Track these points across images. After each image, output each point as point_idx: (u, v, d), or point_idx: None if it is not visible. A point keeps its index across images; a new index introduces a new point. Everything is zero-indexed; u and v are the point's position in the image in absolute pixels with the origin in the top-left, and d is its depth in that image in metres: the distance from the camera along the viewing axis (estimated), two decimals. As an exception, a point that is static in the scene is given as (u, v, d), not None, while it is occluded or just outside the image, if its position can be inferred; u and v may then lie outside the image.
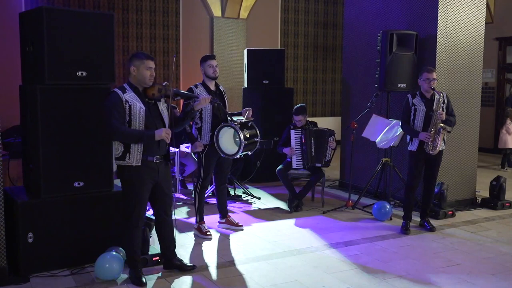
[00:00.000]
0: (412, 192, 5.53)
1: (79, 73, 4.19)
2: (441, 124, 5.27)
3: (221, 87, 5.32)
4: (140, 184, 3.96)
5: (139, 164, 3.92)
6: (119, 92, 3.89)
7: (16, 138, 5.61)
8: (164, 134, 3.85)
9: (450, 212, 6.06)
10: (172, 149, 4.18)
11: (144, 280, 3.98)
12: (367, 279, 4.20)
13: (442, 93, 5.41)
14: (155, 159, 3.99)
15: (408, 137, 5.51)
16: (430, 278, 4.23)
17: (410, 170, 5.51)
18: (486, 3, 6.67)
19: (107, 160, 4.43)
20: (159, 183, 4.08)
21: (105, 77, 4.36)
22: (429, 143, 5.27)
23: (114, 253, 4.11)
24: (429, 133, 5.27)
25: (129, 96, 3.90)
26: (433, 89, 5.30)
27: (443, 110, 5.33)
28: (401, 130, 5.92)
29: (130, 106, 3.88)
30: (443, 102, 5.37)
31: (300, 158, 6.32)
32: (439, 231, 5.51)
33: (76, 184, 4.25)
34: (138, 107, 3.90)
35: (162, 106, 4.09)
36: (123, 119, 3.86)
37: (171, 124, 4.06)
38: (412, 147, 5.42)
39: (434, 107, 5.31)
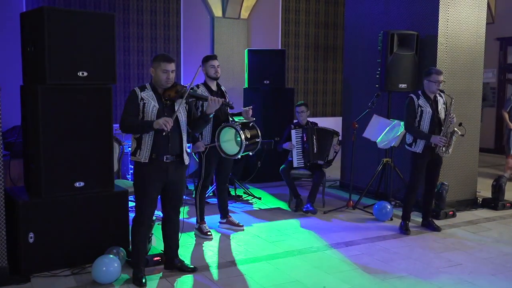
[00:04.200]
0: (413, 193, 5.50)
1: (80, 73, 4.19)
2: (455, 128, 5.26)
3: (222, 87, 5.33)
4: (147, 181, 3.97)
5: (147, 161, 3.94)
6: (137, 90, 3.98)
7: (17, 138, 5.62)
8: (162, 121, 3.80)
9: (451, 212, 6.06)
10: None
11: (144, 281, 3.98)
12: (368, 280, 4.20)
13: (449, 95, 5.38)
14: (165, 158, 3.99)
15: (411, 137, 5.41)
16: (431, 278, 4.23)
17: (413, 171, 5.42)
18: (487, 3, 6.67)
19: (108, 160, 4.43)
20: (169, 183, 4.08)
21: (106, 77, 4.37)
22: (442, 147, 5.26)
23: (111, 256, 4.08)
24: (443, 136, 5.23)
25: (146, 95, 3.97)
26: (442, 91, 5.31)
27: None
28: (402, 130, 5.92)
29: (144, 103, 3.94)
30: (444, 103, 5.37)
31: (301, 157, 6.31)
32: (440, 231, 5.51)
33: (77, 184, 4.25)
34: (151, 105, 3.95)
35: (181, 108, 4.05)
36: (136, 115, 3.93)
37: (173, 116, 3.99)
38: (417, 148, 5.33)
39: (439, 108, 5.30)
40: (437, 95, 5.37)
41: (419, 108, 5.30)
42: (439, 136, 5.23)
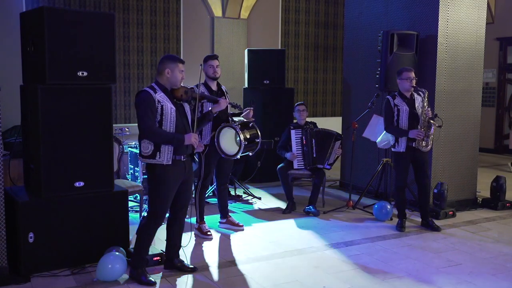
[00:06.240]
0: (402, 191, 5.60)
1: (80, 73, 4.19)
2: (431, 121, 5.32)
3: (223, 87, 5.33)
4: (169, 182, 4.00)
5: (170, 163, 3.96)
6: (151, 91, 3.94)
7: (17, 138, 5.62)
8: (193, 139, 3.96)
9: (451, 212, 6.06)
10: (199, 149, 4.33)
11: (153, 279, 4.00)
12: (367, 279, 4.20)
13: (423, 90, 5.45)
14: (182, 157, 4.04)
15: (393, 138, 5.52)
16: (430, 278, 4.23)
17: (398, 171, 5.55)
18: (487, 3, 6.67)
19: (108, 160, 4.43)
20: (185, 182, 4.13)
21: (106, 77, 4.36)
22: (421, 141, 5.33)
23: (116, 253, 4.11)
24: (420, 130, 5.31)
25: (160, 96, 3.96)
26: (415, 87, 5.36)
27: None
28: None
29: (162, 106, 3.93)
30: (422, 101, 5.43)
31: (301, 158, 6.29)
32: (440, 231, 5.51)
33: (76, 184, 4.25)
34: (169, 107, 3.96)
35: (187, 108, 4.17)
36: (154, 118, 3.91)
37: (193, 127, 4.16)
38: (399, 148, 5.46)
39: (416, 105, 5.41)
40: (414, 93, 5.47)
41: (396, 107, 5.45)
42: (417, 130, 5.33)
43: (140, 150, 4.04)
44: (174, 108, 3.99)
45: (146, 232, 4.06)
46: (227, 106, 5.22)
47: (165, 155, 3.95)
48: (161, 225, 4.11)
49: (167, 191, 4.01)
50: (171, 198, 4.06)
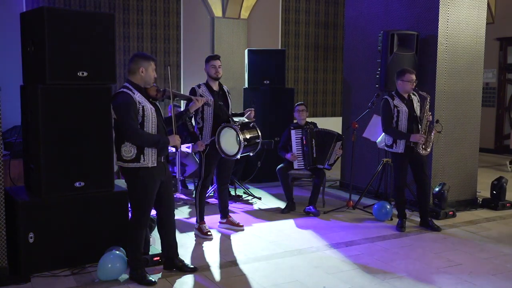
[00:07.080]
0: (401, 191, 5.60)
1: (80, 73, 4.19)
2: (432, 125, 5.35)
3: (225, 87, 5.33)
4: (153, 184, 4.00)
5: (155, 165, 3.94)
6: (130, 93, 3.88)
7: (17, 138, 5.62)
8: (177, 140, 3.99)
9: (451, 213, 6.06)
10: (172, 149, 4.26)
11: (153, 279, 4.00)
12: (368, 279, 4.20)
13: (424, 94, 5.45)
14: (162, 158, 4.04)
15: (390, 139, 5.50)
16: (431, 278, 4.23)
17: (396, 171, 5.54)
18: (487, 3, 6.67)
19: (108, 160, 4.42)
20: (165, 182, 4.12)
21: (106, 77, 4.36)
22: (421, 145, 5.33)
23: (117, 252, 4.11)
24: (422, 134, 5.30)
25: (139, 97, 3.91)
26: (416, 89, 5.37)
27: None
28: None
29: (143, 107, 3.88)
30: (418, 101, 5.43)
31: (301, 159, 6.29)
32: (440, 231, 5.51)
33: (77, 184, 4.25)
34: (149, 108, 3.93)
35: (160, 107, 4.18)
36: (137, 120, 3.86)
37: (173, 127, 4.16)
38: (398, 149, 5.44)
39: (415, 106, 5.41)
40: (411, 94, 5.48)
41: (395, 109, 5.41)
42: (418, 134, 5.33)
43: (119, 154, 3.93)
44: (154, 108, 3.97)
45: (135, 234, 4.05)
46: (228, 106, 5.23)
47: (150, 158, 3.92)
48: (147, 224, 4.13)
49: (151, 192, 4.00)
50: (153, 200, 4.05)
